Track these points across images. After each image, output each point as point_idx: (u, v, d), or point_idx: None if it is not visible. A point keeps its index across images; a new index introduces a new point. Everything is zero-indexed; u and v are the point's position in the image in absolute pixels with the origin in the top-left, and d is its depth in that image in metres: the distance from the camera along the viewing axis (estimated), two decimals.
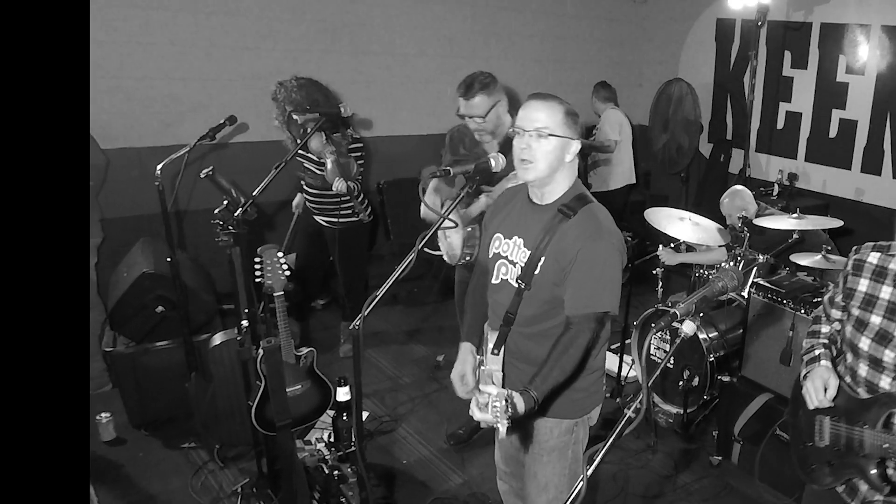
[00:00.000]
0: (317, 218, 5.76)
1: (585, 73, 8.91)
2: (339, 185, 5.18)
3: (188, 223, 6.43)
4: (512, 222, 2.94)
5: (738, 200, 5.50)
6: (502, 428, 2.22)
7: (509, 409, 2.25)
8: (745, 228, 5.18)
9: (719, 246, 5.45)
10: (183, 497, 4.38)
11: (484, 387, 2.33)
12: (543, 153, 2.69)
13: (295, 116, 5.28)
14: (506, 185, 3.74)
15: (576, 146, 2.76)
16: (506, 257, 2.91)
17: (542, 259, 2.74)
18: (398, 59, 7.48)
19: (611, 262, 2.70)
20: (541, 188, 2.82)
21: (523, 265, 2.80)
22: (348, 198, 5.36)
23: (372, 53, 7.29)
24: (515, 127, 2.76)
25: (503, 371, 2.86)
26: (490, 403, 2.24)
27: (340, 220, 5.60)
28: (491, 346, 2.91)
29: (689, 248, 5.83)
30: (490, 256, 3.00)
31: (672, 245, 5.74)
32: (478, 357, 3.02)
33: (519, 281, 2.80)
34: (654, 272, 5.84)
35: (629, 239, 5.01)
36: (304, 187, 5.68)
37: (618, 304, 2.76)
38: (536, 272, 2.75)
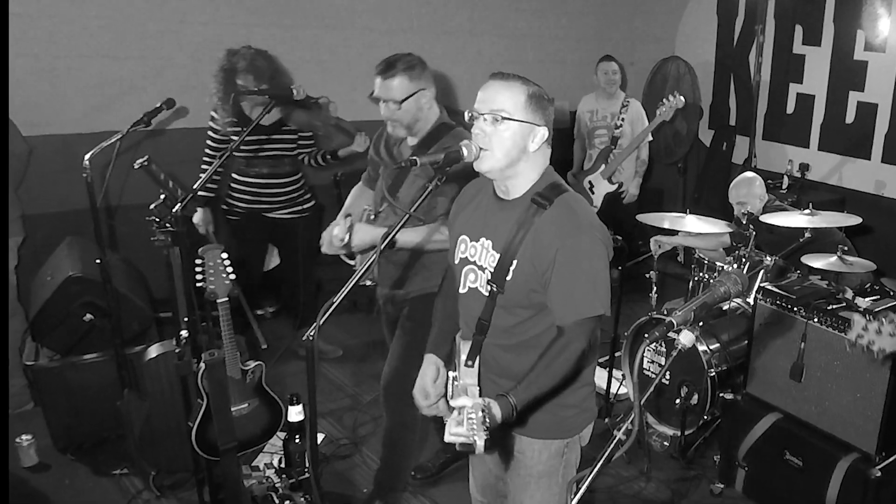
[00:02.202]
0: (271, 215, 5.83)
1: (569, 49, 8.94)
2: (362, 141, 5.60)
3: (120, 220, 6.38)
4: (478, 222, 2.93)
5: (756, 188, 5.51)
6: (480, 442, 2.19)
7: (487, 420, 2.24)
8: (751, 226, 5.21)
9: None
10: None
11: (455, 401, 2.33)
12: (500, 140, 2.66)
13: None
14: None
15: (542, 133, 2.73)
16: (474, 262, 2.89)
17: (515, 262, 2.72)
18: (357, 34, 7.44)
19: (596, 258, 2.69)
20: (504, 181, 2.80)
21: (493, 270, 2.78)
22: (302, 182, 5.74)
23: (328, 27, 7.28)
24: (471, 110, 2.73)
25: (479, 386, 2.83)
26: (465, 416, 2.23)
27: (304, 206, 5.90)
28: (464, 357, 2.88)
29: None
30: (456, 262, 2.99)
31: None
32: (450, 373, 3.01)
33: (490, 284, 2.79)
34: (647, 276, 5.82)
35: (618, 239, 5.05)
36: (251, 182, 5.68)
37: (609, 303, 2.74)
38: (508, 277, 2.74)
